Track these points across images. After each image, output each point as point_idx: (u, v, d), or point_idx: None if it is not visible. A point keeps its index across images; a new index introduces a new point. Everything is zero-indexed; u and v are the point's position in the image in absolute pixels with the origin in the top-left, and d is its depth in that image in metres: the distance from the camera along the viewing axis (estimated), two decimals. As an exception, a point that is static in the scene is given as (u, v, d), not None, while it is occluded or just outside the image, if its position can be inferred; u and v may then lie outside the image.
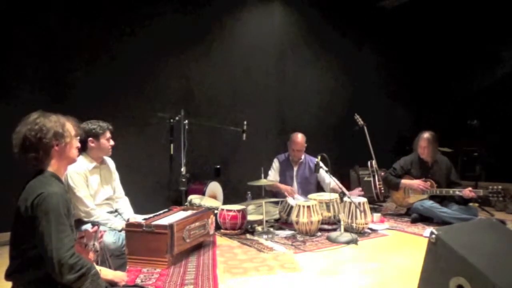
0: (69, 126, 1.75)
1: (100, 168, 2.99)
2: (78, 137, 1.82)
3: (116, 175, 3.17)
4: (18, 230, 1.62)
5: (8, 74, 3.63)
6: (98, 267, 1.69)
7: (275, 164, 4.50)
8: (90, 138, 2.88)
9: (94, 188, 2.90)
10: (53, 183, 1.63)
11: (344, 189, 3.89)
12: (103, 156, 3.00)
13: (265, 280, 2.54)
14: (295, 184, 4.43)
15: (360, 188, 4.22)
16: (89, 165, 2.89)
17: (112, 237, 2.75)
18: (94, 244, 1.90)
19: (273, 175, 4.45)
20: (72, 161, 1.81)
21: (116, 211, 3.09)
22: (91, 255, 1.87)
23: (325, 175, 4.28)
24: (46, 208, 1.53)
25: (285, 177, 4.45)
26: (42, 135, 1.63)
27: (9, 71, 3.64)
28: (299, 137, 4.35)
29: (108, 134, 2.95)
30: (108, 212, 2.97)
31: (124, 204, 3.17)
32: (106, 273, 1.79)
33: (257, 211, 4.09)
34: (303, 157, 4.47)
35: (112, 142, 2.98)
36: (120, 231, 2.85)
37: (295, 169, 4.46)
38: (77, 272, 1.53)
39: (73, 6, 3.94)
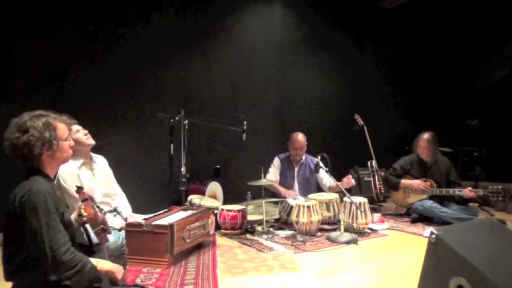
0: (61, 129, 1.73)
1: (90, 165, 2.93)
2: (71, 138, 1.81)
3: (109, 172, 3.12)
4: (9, 231, 1.62)
5: (8, 74, 3.64)
6: (94, 260, 1.67)
7: (276, 162, 4.49)
8: None
9: (88, 185, 2.85)
10: (41, 182, 1.62)
11: (343, 189, 3.90)
12: (86, 149, 2.88)
13: (265, 280, 2.54)
14: (296, 184, 4.43)
15: (349, 176, 4.16)
16: (77, 162, 2.82)
17: (112, 237, 2.74)
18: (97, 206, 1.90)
19: (273, 173, 4.44)
20: (65, 160, 1.81)
21: (115, 209, 3.08)
22: (101, 216, 1.86)
23: (323, 176, 4.28)
24: (33, 205, 1.52)
25: (286, 177, 4.45)
26: (31, 146, 1.61)
27: (9, 71, 3.64)
28: (300, 136, 4.36)
29: (75, 128, 2.72)
30: (107, 211, 2.97)
31: (122, 201, 3.13)
32: (103, 264, 1.74)
33: (257, 211, 4.09)
34: (303, 157, 4.46)
35: (84, 131, 2.83)
36: (119, 230, 2.84)
37: (296, 169, 4.46)
38: (73, 269, 1.52)
39: (73, 6, 3.94)
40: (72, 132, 2.75)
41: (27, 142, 1.60)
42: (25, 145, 1.60)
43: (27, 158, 1.64)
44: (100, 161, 3.05)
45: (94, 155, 3.00)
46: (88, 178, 2.89)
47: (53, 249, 1.50)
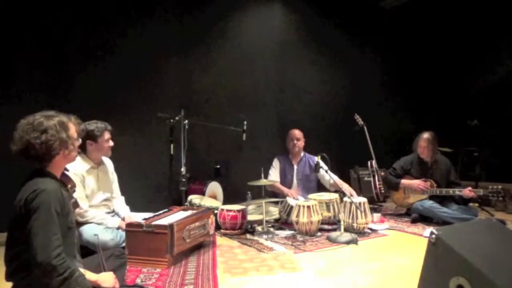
0: (72, 129, 1.75)
1: (98, 169, 2.98)
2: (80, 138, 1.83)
3: (114, 176, 3.17)
4: (13, 232, 1.61)
5: (9, 74, 3.64)
6: (82, 270, 1.66)
7: (275, 163, 4.52)
8: (88, 141, 2.86)
9: (91, 188, 2.89)
10: (47, 182, 1.62)
11: (343, 188, 3.90)
12: (101, 157, 2.99)
13: (265, 280, 2.54)
14: (295, 181, 4.44)
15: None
16: (85, 165, 2.88)
17: (110, 234, 2.77)
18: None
19: (274, 174, 4.45)
20: (72, 160, 1.82)
21: (113, 211, 3.10)
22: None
23: (325, 174, 4.28)
24: (37, 204, 1.53)
25: (285, 175, 4.47)
26: (49, 145, 1.61)
27: (10, 71, 3.64)
28: (296, 130, 4.48)
29: (106, 135, 2.92)
30: (106, 213, 2.98)
31: (120, 203, 3.18)
32: (90, 276, 1.72)
33: (257, 211, 4.09)
34: (302, 154, 4.50)
35: (111, 143, 2.96)
36: (117, 229, 2.86)
37: (296, 167, 4.48)
38: (60, 276, 1.50)
39: (74, 6, 3.94)
40: (102, 139, 2.82)
41: (45, 142, 1.60)
42: (42, 144, 1.60)
43: (41, 158, 1.64)
44: (108, 165, 3.10)
45: (104, 159, 3.05)
46: (92, 182, 2.92)
47: (44, 251, 1.49)
